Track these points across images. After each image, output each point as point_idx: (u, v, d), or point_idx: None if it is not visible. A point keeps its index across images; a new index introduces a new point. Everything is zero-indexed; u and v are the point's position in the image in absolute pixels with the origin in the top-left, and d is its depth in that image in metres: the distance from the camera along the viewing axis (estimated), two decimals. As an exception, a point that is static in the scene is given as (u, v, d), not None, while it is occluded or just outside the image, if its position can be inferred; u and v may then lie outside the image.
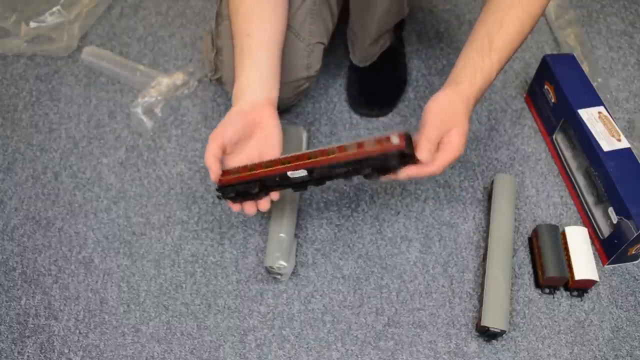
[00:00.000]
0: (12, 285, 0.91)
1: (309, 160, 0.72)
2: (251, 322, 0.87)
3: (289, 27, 0.86)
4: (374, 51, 1.04)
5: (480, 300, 0.87)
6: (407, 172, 0.73)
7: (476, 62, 0.76)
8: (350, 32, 1.03)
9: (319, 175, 0.73)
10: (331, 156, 0.71)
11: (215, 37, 0.97)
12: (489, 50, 0.76)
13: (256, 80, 0.76)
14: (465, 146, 0.75)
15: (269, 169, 0.73)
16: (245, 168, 0.74)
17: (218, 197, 0.77)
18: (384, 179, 0.74)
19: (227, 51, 0.95)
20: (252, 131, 0.76)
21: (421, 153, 0.71)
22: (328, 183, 1.00)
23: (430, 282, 0.91)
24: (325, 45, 0.97)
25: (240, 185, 0.74)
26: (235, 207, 0.77)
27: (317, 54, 0.95)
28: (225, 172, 0.75)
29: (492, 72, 0.76)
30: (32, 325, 0.87)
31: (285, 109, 1.09)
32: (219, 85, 1.10)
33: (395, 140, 0.70)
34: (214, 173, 0.74)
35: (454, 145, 0.73)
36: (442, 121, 0.73)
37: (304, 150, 0.98)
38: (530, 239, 0.94)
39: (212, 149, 0.73)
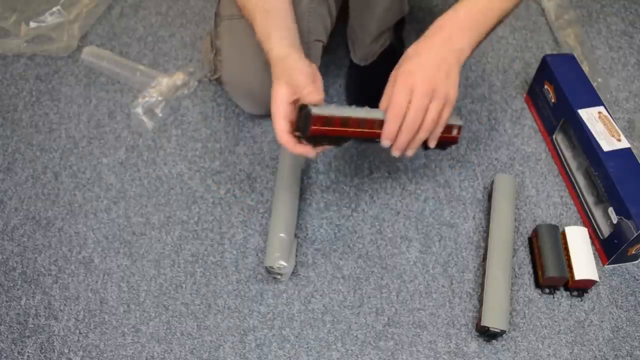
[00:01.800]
0: (12, 285, 0.91)
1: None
2: (251, 322, 0.87)
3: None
4: (375, 49, 1.04)
5: (480, 300, 0.87)
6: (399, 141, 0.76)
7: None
8: (350, 30, 1.03)
9: None
10: None
11: (214, 38, 0.97)
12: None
13: (289, 47, 0.78)
14: (428, 81, 0.73)
15: (362, 130, 0.75)
16: (337, 121, 0.74)
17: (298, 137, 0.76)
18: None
19: (226, 51, 0.95)
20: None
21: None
22: (328, 182, 1.01)
23: (430, 282, 0.91)
24: (324, 44, 0.97)
25: (331, 138, 0.75)
26: (308, 149, 0.77)
27: (316, 52, 0.95)
28: (315, 121, 0.72)
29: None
30: (32, 325, 0.87)
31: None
32: (218, 85, 1.10)
33: (455, 132, 0.84)
34: (293, 147, 0.75)
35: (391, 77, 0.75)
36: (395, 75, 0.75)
37: None
38: (530, 239, 0.94)
39: (282, 126, 0.74)
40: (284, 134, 0.74)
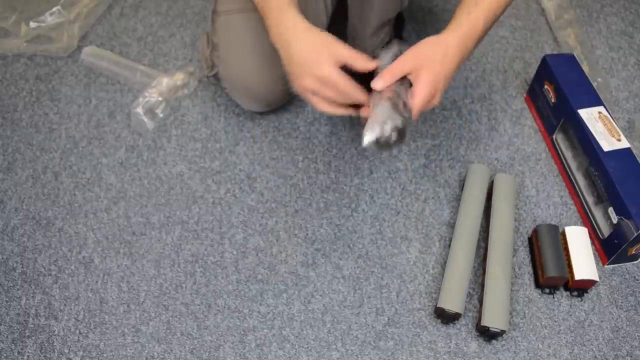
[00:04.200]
0: (12, 285, 0.91)
1: None
2: (251, 322, 0.87)
3: None
4: (375, 44, 1.03)
5: (480, 300, 0.87)
6: None
7: (461, 13, 0.78)
8: (350, 27, 1.03)
9: None
10: None
11: (211, 34, 0.98)
12: (475, 5, 0.78)
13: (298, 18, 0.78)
14: (440, 91, 0.76)
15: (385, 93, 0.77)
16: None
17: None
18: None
19: (223, 47, 0.95)
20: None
21: (375, 82, 0.75)
22: (328, 182, 1.01)
23: (430, 282, 0.91)
24: None
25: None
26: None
27: None
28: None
29: (478, 23, 0.78)
30: (32, 325, 0.87)
31: (283, 105, 1.09)
32: (216, 82, 1.10)
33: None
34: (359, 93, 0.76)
35: (420, 85, 0.75)
36: (412, 57, 0.75)
37: None
38: (530, 239, 0.94)
39: (348, 83, 0.75)
40: (351, 87, 0.75)
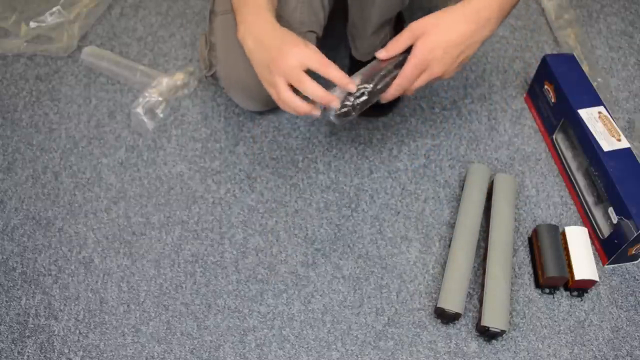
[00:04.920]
0: (12, 285, 0.91)
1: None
2: (251, 322, 0.87)
3: (279, 17, 0.87)
4: (375, 43, 1.03)
5: (480, 300, 0.87)
6: (390, 91, 0.79)
7: None
8: (350, 26, 1.03)
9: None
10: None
11: (208, 34, 0.98)
12: None
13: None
14: (438, 60, 0.76)
15: (370, 69, 0.80)
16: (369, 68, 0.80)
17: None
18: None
19: (220, 47, 0.96)
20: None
21: (379, 51, 0.77)
22: (328, 182, 1.01)
23: (430, 282, 0.91)
24: (318, 35, 0.97)
25: (357, 90, 0.78)
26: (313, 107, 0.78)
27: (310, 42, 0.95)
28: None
29: None
30: (32, 325, 0.87)
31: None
32: (214, 82, 1.10)
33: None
34: (305, 109, 0.77)
35: (411, 55, 0.76)
36: (409, 29, 0.76)
37: None
38: (530, 239, 0.94)
39: (295, 97, 0.76)
40: (299, 104, 0.76)
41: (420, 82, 0.79)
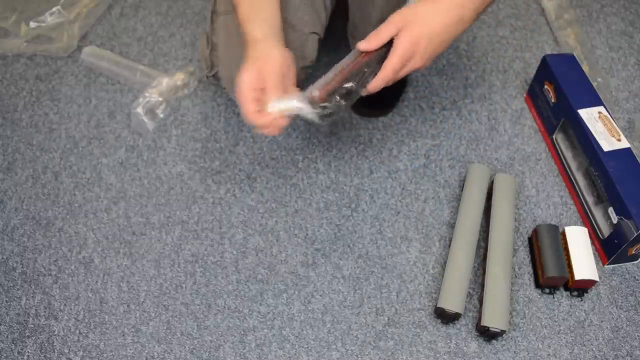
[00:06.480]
0: (12, 285, 0.91)
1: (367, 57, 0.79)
2: (251, 322, 0.87)
3: (282, 20, 0.87)
4: None
5: (480, 300, 0.87)
6: (374, 84, 0.78)
7: None
8: (351, 26, 1.03)
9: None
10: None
11: (210, 34, 0.98)
12: None
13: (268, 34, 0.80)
14: (422, 52, 0.76)
15: (352, 65, 0.78)
16: (332, 77, 0.78)
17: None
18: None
19: (222, 47, 0.96)
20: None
21: (360, 43, 0.76)
22: (328, 182, 1.00)
23: (430, 282, 0.91)
24: (320, 37, 0.97)
25: (341, 89, 0.77)
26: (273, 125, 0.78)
27: (312, 44, 0.95)
28: (321, 94, 0.77)
29: None
30: (32, 325, 0.87)
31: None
32: (216, 82, 1.09)
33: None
34: (263, 125, 0.77)
35: (394, 46, 0.75)
36: (392, 21, 0.76)
37: None
38: (530, 239, 0.94)
39: (251, 108, 0.76)
40: (253, 115, 0.76)
41: (402, 73, 0.79)
